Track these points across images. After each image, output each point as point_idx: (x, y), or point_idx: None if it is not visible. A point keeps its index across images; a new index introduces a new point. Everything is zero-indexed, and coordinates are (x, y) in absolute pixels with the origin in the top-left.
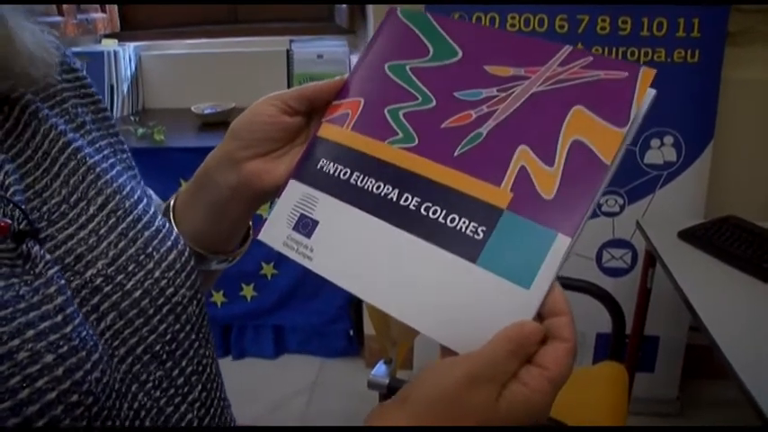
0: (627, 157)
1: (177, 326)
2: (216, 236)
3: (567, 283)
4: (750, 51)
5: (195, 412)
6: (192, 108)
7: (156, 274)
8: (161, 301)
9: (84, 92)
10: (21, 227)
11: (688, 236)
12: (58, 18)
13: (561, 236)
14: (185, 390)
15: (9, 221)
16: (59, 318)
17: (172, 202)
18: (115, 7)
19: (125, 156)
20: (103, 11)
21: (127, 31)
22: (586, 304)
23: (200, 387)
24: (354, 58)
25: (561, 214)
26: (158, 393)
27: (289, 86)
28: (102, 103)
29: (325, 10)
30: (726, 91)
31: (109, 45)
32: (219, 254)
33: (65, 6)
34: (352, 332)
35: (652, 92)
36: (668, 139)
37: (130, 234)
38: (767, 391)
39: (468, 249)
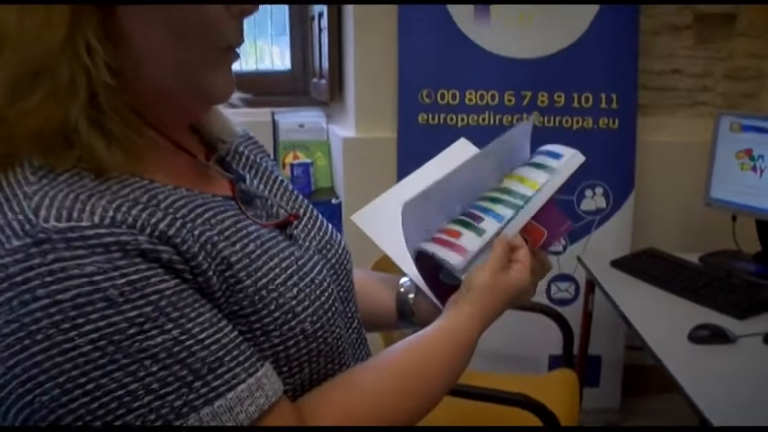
0: (567, 206)
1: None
2: None
3: (525, 306)
4: (656, 120)
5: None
6: None
7: (342, 252)
8: (348, 266)
9: (260, 147)
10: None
11: (619, 264)
12: None
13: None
14: (356, 322)
15: (295, 214)
16: (318, 264)
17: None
18: None
19: None
20: None
21: None
22: (540, 330)
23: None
24: (332, 127)
25: None
26: (347, 315)
27: (275, 151)
28: (269, 152)
29: (302, 85)
30: (641, 150)
31: None
32: None
33: None
34: None
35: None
36: (599, 190)
37: (331, 231)
38: (704, 395)
39: None
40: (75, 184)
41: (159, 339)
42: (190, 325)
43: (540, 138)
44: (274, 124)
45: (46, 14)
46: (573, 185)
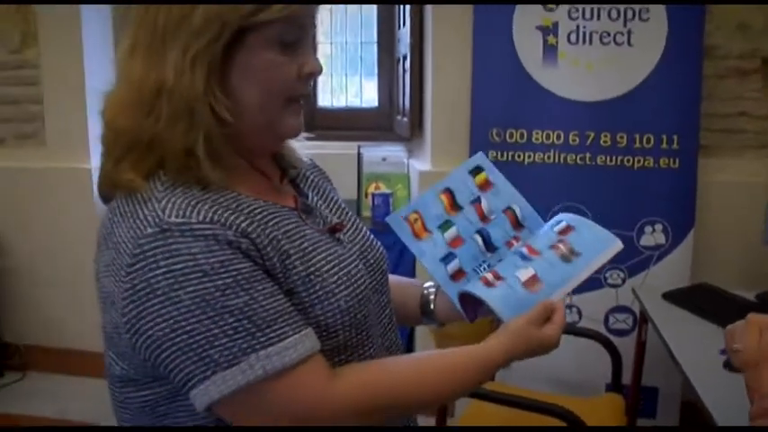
0: (626, 240)
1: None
2: None
3: (579, 332)
4: (720, 161)
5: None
6: None
7: (380, 255)
8: (383, 267)
9: (323, 173)
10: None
11: (671, 297)
12: None
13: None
14: (388, 310)
15: (341, 223)
16: (356, 262)
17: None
18: None
19: None
20: None
21: None
22: (598, 357)
23: (390, 309)
24: (412, 162)
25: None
26: (380, 304)
27: (359, 183)
28: (330, 179)
29: (387, 121)
30: (703, 189)
31: None
32: None
33: None
34: None
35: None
36: (658, 227)
37: (372, 239)
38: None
39: None
40: (188, 193)
41: (235, 301)
42: (256, 294)
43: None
44: (359, 157)
45: (191, 75)
46: (633, 222)
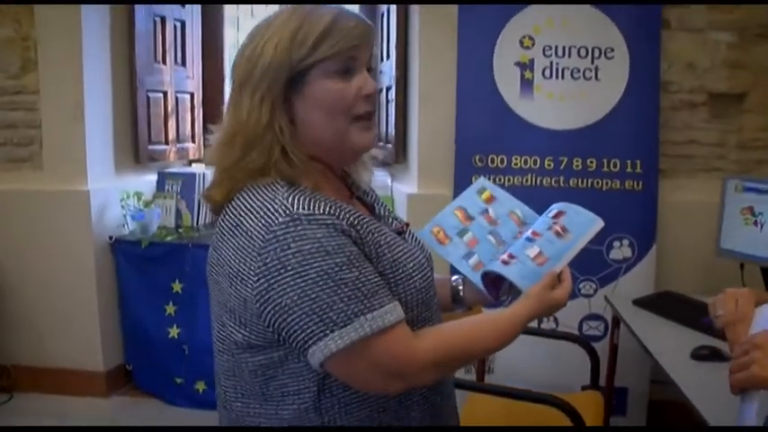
0: (597, 254)
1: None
2: None
3: (559, 335)
4: (677, 182)
5: (437, 306)
6: None
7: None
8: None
9: (375, 192)
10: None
11: (640, 303)
12: (164, 146)
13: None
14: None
15: (406, 223)
16: (421, 255)
17: None
18: (201, 138)
19: None
20: (193, 141)
21: None
22: (574, 362)
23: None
24: (395, 185)
25: None
26: (434, 294)
27: None
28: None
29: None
30: (662, 208)
31: (196, 168)
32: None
33: (169, 137)
34: None
35: (601, 224)
36: (625, 242)
37: (422, 244)
38: (706, 406)
39: None
40: (305, 192)
41: (349, 275)
42: (364, 270)
43: (574, 196)
44: None
45: (258, 112)
46: (602, 238)
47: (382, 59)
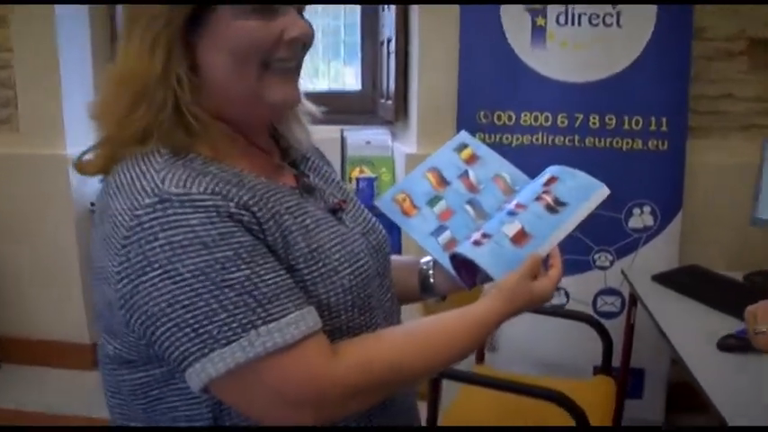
0: (615, 223)
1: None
2: None
3: (569, 314)
4: (708, 142)
5: (392, 302)
6: None
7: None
8: (386, 249)
9: (323, 156)
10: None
11: (660, 279)
12: None
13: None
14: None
15: (343, 200)
16: (359, 241)
17: None
18: None
19: None
20: None
21: None
22: (586, 341)
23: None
24: (396, 145)
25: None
26: (383, 286)
27: (343, 166)
28: (329, 161)
29: (370, 105)
30: (691, 171)
31: None
32: None
33: None
34: None
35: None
36: (646, 209)
37: (374, 221)
38: (728, 402)
39: None
40: (188, 166)
41: (236, 275)
42: (258, 268)
43: (591, 156)
44: (343, 141)
45: (149, 57)
46: (621, 204)
47: (383, 9)
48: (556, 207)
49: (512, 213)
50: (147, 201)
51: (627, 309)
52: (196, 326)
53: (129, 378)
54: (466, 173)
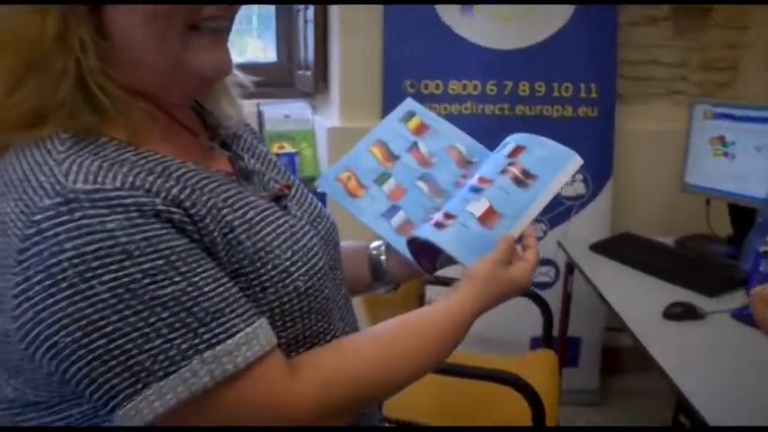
0: None
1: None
2: None
3: None
4: (634, 108)
5: (346, 299)
6: None
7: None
8: (336, 239)
9: (255, 133)
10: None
11: (597, 248)
12: None
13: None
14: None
15: (287, 185)
16: (310, 233)
17: None
18: None
19: None
20: None
21: None
22: (522, 313)
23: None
24: (317, 118)
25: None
26: (335, 282)
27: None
28: (262, 138)
29: (287, 77)
30: (619, 138)
31: None
32: None
33: None
34: None
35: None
36: (578, 177)
37: (320, 207)
38: (677, 368)
39: None
40: (99, 153)
41: (169, 290)
42: (196, 278)
43: (521, 125)
44: (260, 115)
45: (41, 18)
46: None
47: None
48: (525, 180)
49: (476, 189)
50: (48, 202)
51: (564, 279)
52: (122, 357)
53: (38, 424)
54: (415, 145)
